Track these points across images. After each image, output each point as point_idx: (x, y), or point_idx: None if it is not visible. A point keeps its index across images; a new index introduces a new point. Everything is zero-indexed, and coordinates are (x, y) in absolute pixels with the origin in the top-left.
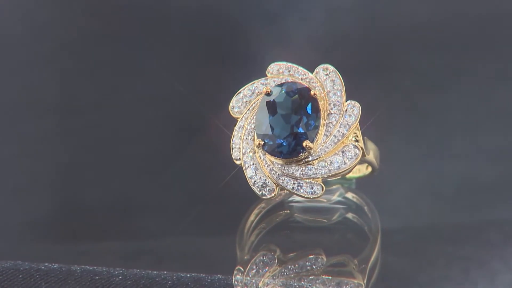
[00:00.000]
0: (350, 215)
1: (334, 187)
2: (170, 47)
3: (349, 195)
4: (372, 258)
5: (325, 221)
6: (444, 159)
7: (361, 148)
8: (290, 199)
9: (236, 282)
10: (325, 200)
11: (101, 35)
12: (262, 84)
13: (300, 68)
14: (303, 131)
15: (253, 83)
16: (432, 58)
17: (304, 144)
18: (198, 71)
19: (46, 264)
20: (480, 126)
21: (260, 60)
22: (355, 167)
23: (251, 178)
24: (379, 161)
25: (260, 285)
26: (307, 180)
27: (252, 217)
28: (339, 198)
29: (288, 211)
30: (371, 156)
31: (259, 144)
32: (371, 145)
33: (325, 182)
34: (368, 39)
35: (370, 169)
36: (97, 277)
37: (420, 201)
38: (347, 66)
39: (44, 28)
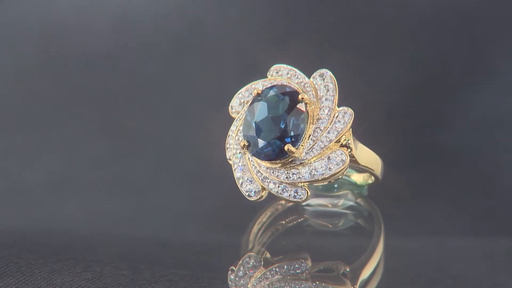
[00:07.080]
0: (360, 221)
1: (343, 192)
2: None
3: (360, 201)
4: (369, 267)
5: (331, 226)
6: None
7: (350, 155)
8: (305, 203)
9: (230, 282)
10: (330, 205)
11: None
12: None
13: (298, 71)
14: (288, 135)
15: (252, 84)
16: None
17: (286, 148)
18: None
19: (44, 254)
20: None
21: None
22: (362, 174)
23: (238, 179)
24: (381, 170)
25: (249, 286)
26: (292, 184)
27: (264, 218)
28: (350, 203)
29: (301, 217)
30: (367, 164)
31: (244, 145)
32: (366, 152)
33: (338, 186)
34: None
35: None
36: (88, 268)
37: None
38: None
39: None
